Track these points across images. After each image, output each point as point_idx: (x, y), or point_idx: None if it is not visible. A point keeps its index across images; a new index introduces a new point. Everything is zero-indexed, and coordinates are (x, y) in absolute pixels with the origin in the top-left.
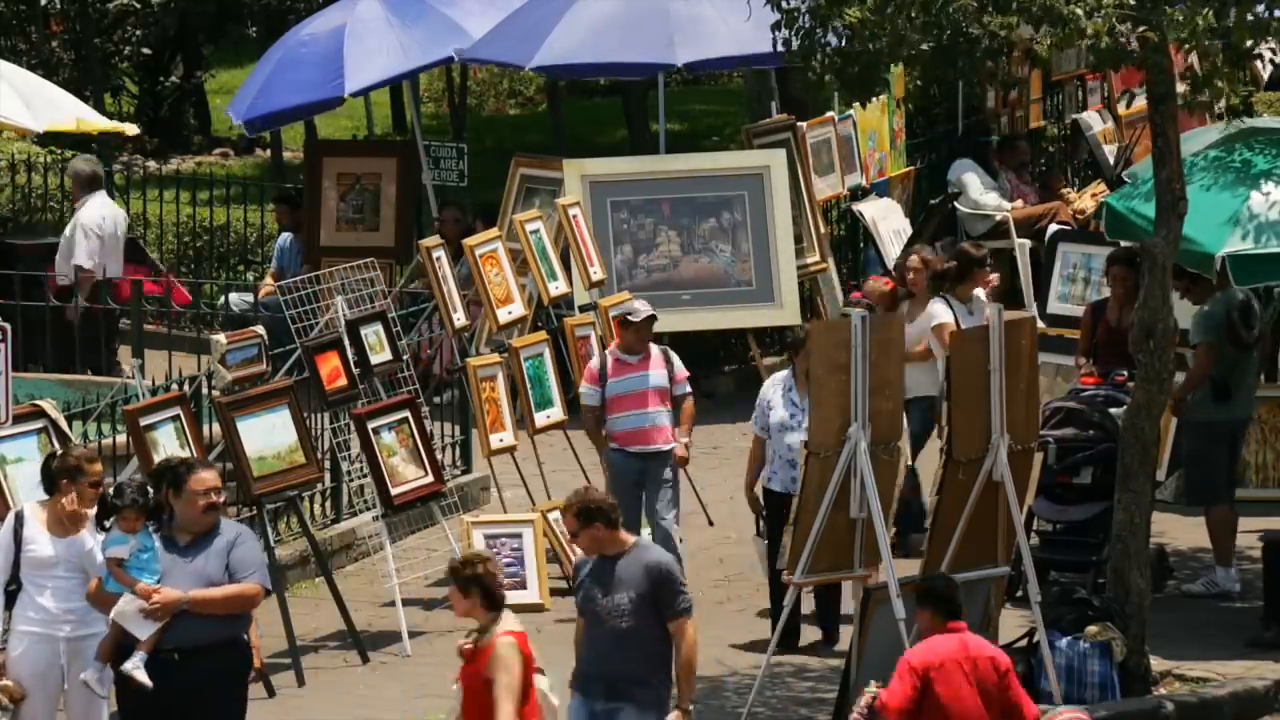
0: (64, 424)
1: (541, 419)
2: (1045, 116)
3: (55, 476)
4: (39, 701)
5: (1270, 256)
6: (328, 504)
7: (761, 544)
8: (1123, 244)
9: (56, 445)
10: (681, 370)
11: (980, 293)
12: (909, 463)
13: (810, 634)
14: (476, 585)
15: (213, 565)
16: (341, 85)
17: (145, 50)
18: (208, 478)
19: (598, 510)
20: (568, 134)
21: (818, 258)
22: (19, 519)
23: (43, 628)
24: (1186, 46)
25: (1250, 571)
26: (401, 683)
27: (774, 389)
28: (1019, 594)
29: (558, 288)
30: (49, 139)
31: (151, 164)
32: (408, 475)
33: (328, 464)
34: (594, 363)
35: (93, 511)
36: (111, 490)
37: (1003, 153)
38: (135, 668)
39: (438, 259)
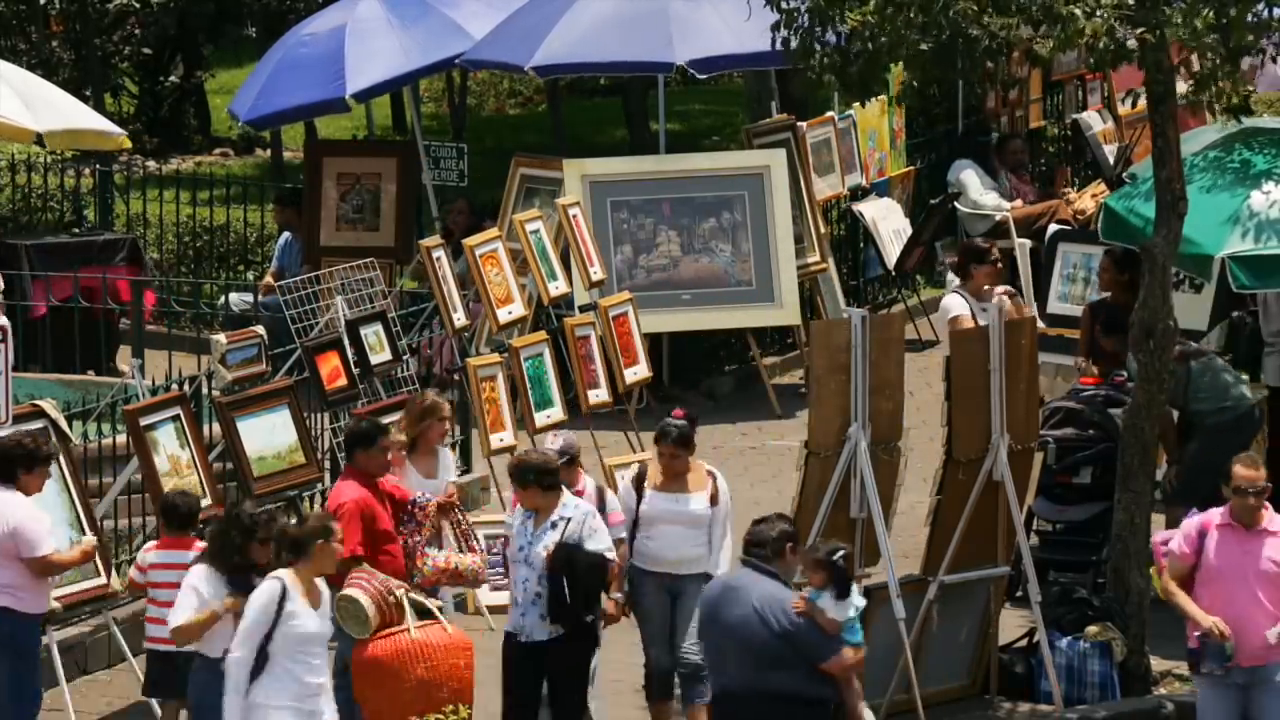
0: (64, 424)
1: (541, 419)
2: (1045, 116)
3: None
4: None
5: (1270, 257)
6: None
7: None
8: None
9: (57, 445)
10: (617, 511)
11: (997, 291)
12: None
13: None
14: None
15: None
16: (342, 86)
17: (145, 50)
18: None
19: None
20: (568, 134)
21: (818, 258)
22: (284, 591)
23: (297, 702)
24: (1186, 46)
25: None
26: None
27: (516, 517)
28: (1019, 594)
29: (558, 288)
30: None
31: (151, 164)
32: None
33: (327, 464)
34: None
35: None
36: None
37: (1001, 152)
38: None
39: (438, 259)
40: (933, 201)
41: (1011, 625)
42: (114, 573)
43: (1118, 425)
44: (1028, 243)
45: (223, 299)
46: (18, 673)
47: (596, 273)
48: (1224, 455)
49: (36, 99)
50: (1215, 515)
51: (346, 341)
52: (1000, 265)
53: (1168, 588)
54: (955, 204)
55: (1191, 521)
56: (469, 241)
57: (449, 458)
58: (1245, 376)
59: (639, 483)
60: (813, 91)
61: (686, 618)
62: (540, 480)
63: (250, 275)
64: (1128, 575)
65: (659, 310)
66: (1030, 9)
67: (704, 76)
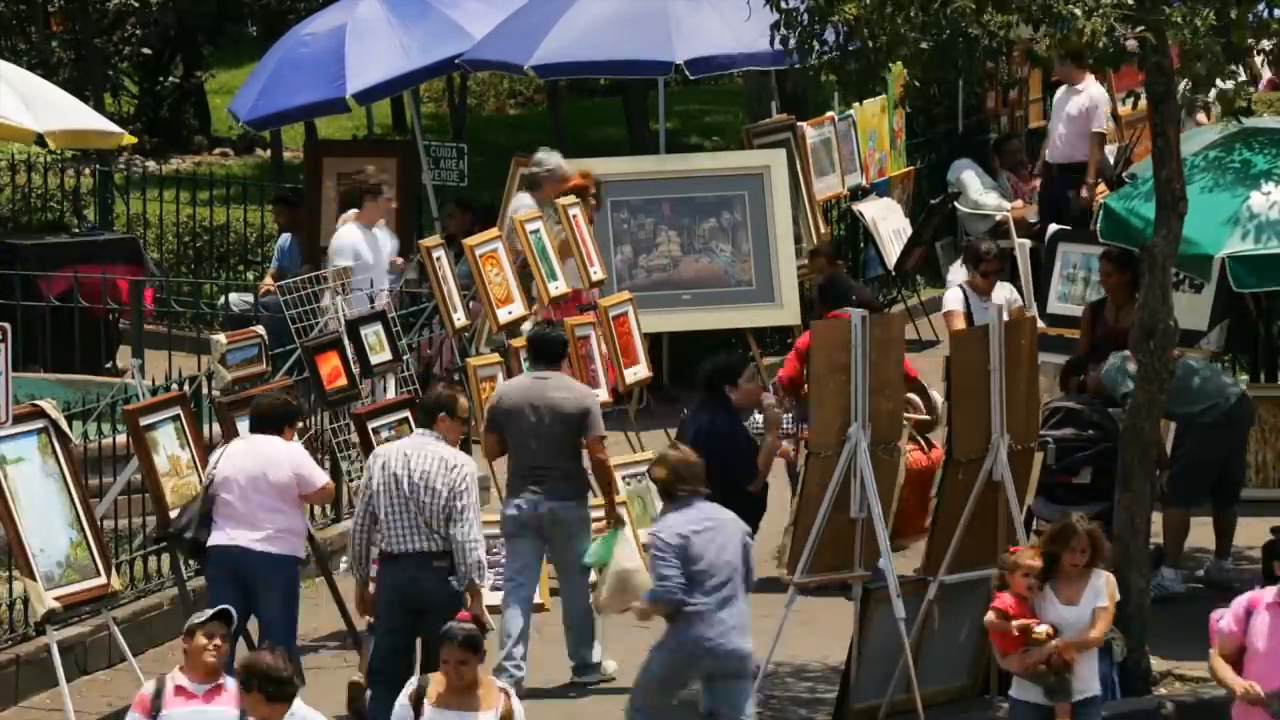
0: (64, 424)
1: None
2: (1045, 116)
3: None
4: None
5: (1270, 256)
6: (328, 504)
7: None
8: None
9: (57, 445)
10: None
11: (999, 291)
12: None
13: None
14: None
15: None
16: (343, 86)
17: (145, 50)
18: None
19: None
20: (568, 134)
21: None
22: None
23: None
24: (1186, 46)
25: (1250, 571)
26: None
27: None
28: None
29: (558, 288)
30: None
31: (151, 164)
32: None
33: (328, 464)
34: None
35: None
36: None
37: (1001, 152)
38: None
39: (438, 259)
40: (933, 201)
41: None
42: (114, 573)
43: (1118, 425)
44: (1028, 243)
45: (223, 299)
46: (293, 617)
47: (596, 273)
48: (1217, 451)
49: (36, 99)
50: (1267, 595)
51: (346, 341)
52: (994, 269)
53: (1212, 663)
54: (955, 204)
55: (1240, 600)
56: (469, 241)
57: (1104, 582)
58: (1245, 377)
59: (417, 698)
60: (810, 87)
61: None
62: (263, 687)
63: (250, 275)
64: (1128, 575)
65: (659, 310)
66: (1030, 8)
67: (695, 78)
